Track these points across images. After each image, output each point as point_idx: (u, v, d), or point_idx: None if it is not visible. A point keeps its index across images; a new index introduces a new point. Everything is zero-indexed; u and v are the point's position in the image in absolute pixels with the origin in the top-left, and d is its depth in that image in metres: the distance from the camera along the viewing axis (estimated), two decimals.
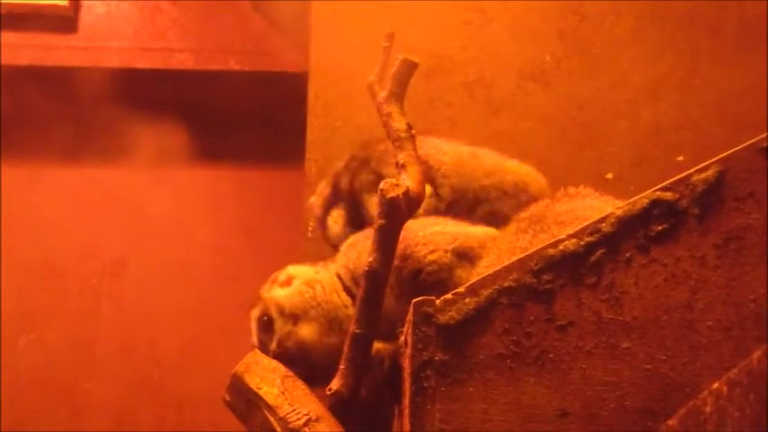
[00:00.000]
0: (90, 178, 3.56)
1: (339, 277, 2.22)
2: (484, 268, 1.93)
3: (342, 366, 1.94)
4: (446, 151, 2.42)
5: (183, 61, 3.44)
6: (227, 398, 2.04)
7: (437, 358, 1.64)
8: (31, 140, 3.55)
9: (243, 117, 3.56)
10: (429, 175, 2.23)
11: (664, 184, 1.66)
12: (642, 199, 1.66)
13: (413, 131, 2.09)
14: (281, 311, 2.18)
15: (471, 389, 1.63)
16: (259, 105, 3.53)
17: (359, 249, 2.17)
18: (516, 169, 2.44)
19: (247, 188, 3.56)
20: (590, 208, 2.01)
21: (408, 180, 1.99)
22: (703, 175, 1.64)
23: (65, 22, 3.47)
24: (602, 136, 2.84)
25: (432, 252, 2.09)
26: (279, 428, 1.91)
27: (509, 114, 2.88)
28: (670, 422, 1.44)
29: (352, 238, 2.27)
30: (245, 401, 1.99)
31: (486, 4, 2.97)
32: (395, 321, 1.90)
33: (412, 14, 2.96)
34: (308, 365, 2.11)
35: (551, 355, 1.63)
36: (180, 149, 3.42)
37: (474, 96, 2.90)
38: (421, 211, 2.14)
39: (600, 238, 1.65)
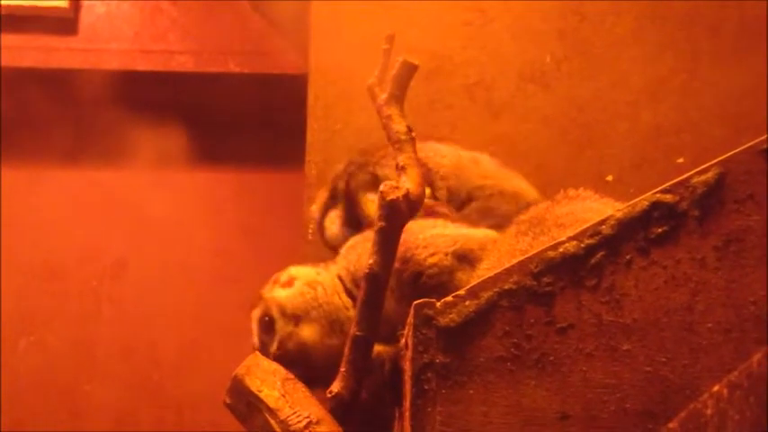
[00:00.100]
0: (90, 180, 3.56)
1: (340, 279, 2.21)
2: (484, 271, 1.93)
3: (342, 369, 1.94)
4: (445, 154, 2.42)
5: (182, 63, 3.44)
6: (228, 400, 2.04)
7: (438, 361, 1.64)
8: (31, 142, 3.55)
9: (243, 119, 3.56)
10: (427, 178, 2.23)
11: (664, 186, 1.66)
12: (642, 201, 1.66)
13: (413, 134, 2.09)
14: (283, 312, 2.18)
15: (472, 391, 1.63)
16: (259, 107, 3.53)
17: (359, 252, 2.17)
18: (514, 180, 2.44)
19: (247, 190, 3.56)
20: (590, 210, 2.00)
21: (408, 182, 1.99)
22: (703, 177, 1.64)
23: (65, 24, 3.47)
24: (602, 138, 2.84)
25: (432, 255, 2.09)
26: (279, 431, 1.91)
27: (509, 116, 2.88)
28: (670, 425, 1.44)
29: (352, 241, 2.27)
30: (245, 404, 1.99)
31: (485, 5, 2.96)
32: (395, 324, 1.90)
33: (412, 15, 2.96)
34: (308, 367, 2.11)
35: (551, 358, 1.63)
36: (180, 151, 3.42)
37: (474, 98, 2.90)
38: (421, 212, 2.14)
39: (600, 241, 1.65)
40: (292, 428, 1.89)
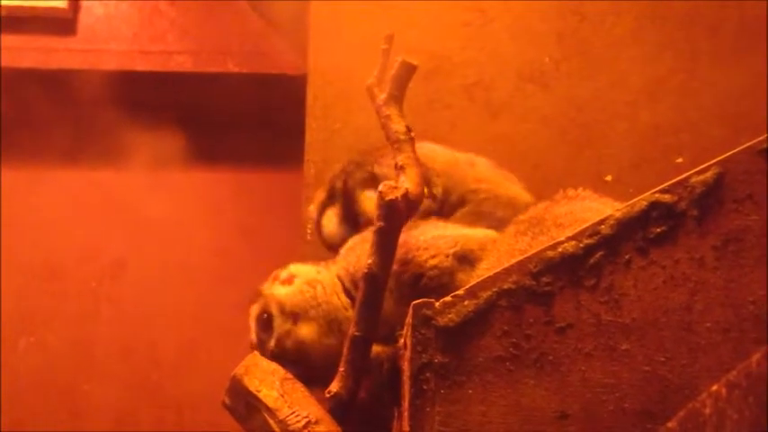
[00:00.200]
0: (89, 180, 3.56)
1: (339, 279, 2.21)
2: (483, 271, 1.93)
3: (341, 369, 1.94)
4: (440, 153, 2.42)
5: (181, 63, 3.44)
6: (227, 401, 2.04)
7: (436, 360, 1.64)
8: (30, 143, 3.55)
9: (242, 119, 3.55)
10: (425, 176, 2.23)
11: (663, 186, 1.66)
12: (641, 201, 1.66)
13: (412, 134, 2.09)
14: (282, 309, 2.17)
15: (470, 391, 1.63)
16: (258, 107, 3.53)
17: (358, 252, 2.17)
18: (510, 184, 2.43)
19: (246, 190, 3.56)
20: (589, 210, 2.00)
21: (407, 182, 1.99)
22: (702, 177, 1.64)
23: (63, 25, 3.46)
24: (601, 137, 2.84)
25: (433, 257, 2.09)
26: (278, 431, 1.91)
27: (508, 116, 2.88)
28: (669, 424, 1.44)
29: (352, 241, 2.27)
30: (244, 404, 1.99)
31: (485, 5, 2.96)
32: (394, 325, 1.90)
33: (411, 15, 2.96)
34: (305, 365, 2.10)
35: (550, 358, 1.63)
36: (179, 152, 3.42)
37: (473, 98, 2.89)
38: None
39: (599, 241, 1.65)
40: (291, 428, 1.89)
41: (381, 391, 1.95)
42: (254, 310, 2.21)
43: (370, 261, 1.93)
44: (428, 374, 1.64)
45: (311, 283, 2.20)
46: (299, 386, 1.98)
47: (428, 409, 1.63)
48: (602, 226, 1.66)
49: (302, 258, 2.37)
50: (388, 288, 1.97)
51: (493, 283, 1.66)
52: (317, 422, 1.88)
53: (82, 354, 3.42)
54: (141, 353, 3.42)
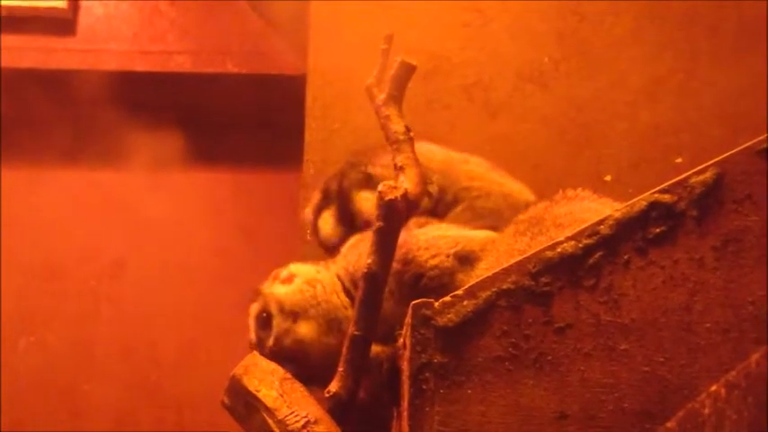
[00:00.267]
0: (89, 180, 3.56)
1: (339, 278, 2.21)
2: (482, 271, 1.93)
3: (340, 368, 1.94)
4: (437, 152, 2.41)
5: (181, 64, 3.44)
6: (226, 400, 2.04)
7: (436, 360, 1.64)
8: (30, 143, 3.56)
9: (241, 119, 3.56)
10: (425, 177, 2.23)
11: (662, 186, 1.66)
12: (640, 201, 1.66)
13: (411, 134, 2.09)
14: (281, 308, 2.18)
15: (470, 391, 1.63)
16: (257, 108, 3.53)
17: (359, 252, 2.17)
18: (505, 182, 2.43)
19: (245, 190, 3.56)
20: (588, 210, 2.00)
21: (407, 182, 1.99)
22: (701, 177, 1.64)
23: (63, 25, 3.47)
24: (601, 137, 2.84)
25: (434, 257, 2.09)
26: (277, 431, 1.91)
27: (507, 116, 2.88)
28: (668, 424, 1.44)
29: (353, 240, 2.27)
30: (243, 404, 1.99)
31: (484, 5, 2.96)
32: (394, 325, 1.90)
33: (410, 16, 2.96)
34: (304, 364, 2.10)
35: (549, 358, 1.63)
36: (178, 152, 3.42)
37: (472, 98, 2.89)
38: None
39: (598, 241, 1.65)
40: (290, 428, 1.89)
41: (381, 391, 1.95)
42: (254, 309, 2.22)
43: (369, 260, 1.93)
44: (427, 374, 1.64)
45: (311, 283, 2.20)
46: (299, 386, 1.98)
47: (427, 409, 1.63)
48: (602, 226, 1.66)
49: (302, 258, 2.37)
50: (389, 288, 1.97)
51: (492, 284, 1.66)
52: (316, 422, 1.88)
53: (82, 354, 3.42)
54: (141, 353, 3.42)
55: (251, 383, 1.98)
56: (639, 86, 2.88)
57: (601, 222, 1.66)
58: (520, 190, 2.43)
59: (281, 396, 1.94)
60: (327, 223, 2.44)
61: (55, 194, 3.55)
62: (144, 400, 3.38)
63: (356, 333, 1.93)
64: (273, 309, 2.18)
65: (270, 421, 1.92)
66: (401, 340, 1.79)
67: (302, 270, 2.24)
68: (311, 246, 2.60)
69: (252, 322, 2.22)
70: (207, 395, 3.04)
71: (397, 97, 2.12)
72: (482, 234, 2.17)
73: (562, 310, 1.64)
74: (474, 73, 2.92)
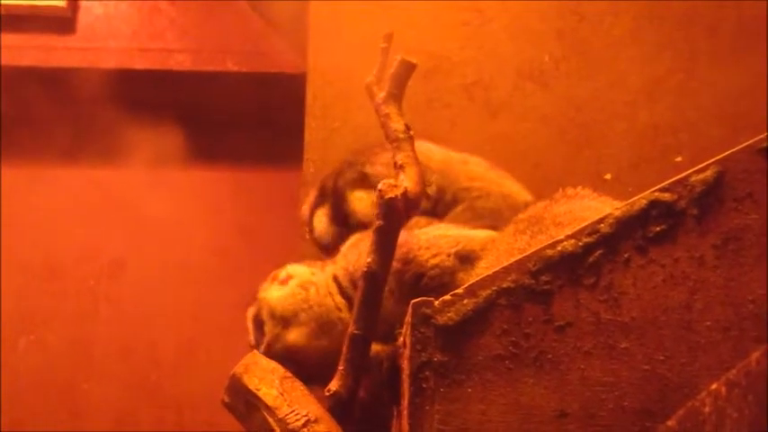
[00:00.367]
0: (89, 179, 3.56)
1: (336, 279, 2.21)
2: (482, 269, 1.93)
3: (340, 367, 1.93)
4: (436, 152, 2.41)
5: (180, 62, 3.44)
6: (226, 399, 2.04)
7: (436, 359, 1.64)
8: (29, 141, 3.55)
9: (241, 118, 3.56)
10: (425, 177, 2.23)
11: (662, 184, 1.66)
12: (640, 200, 1.66)
13: (411, 132, 2.09)
14: (272, 314, 2.18)
15: (470, 390, 1.63)
16: (257, 106, 3.53)
17: (359, 251, 2.17)
18: (505, 182, 2.43)
19: (245, 189, 3.56)
20: (588, 209, 2.00)
21: (407, 181, 1.99)
22: (702, 176, 1.64)
23: (63, 23, 3.47)
24: (601, 137, 2.84)
25: (434, 256, 2.09)
26: (278, 429, 1.91)
27: (507, 115, 2.88)
28: (668, 423, 1.44)
29: (354, 238, 2.26)
30: (243, 402, 1.99)
31: (483, 5, 2.96)
32: (394, 324, 1.90)
33: (410, 15, 2.96)
34: (299, 367, 2.10)
35: (550, 356, 1.63)
36: (178, 150, 3.42)
37: (472, 97, 2.90)
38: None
39: (598, 239, 1.65)
40: (290, 427, 1.89)
41: (381, 390, 1.95)
42: (251, 312, 2.23)
43: (369, 259, 1.93)
44: (427, 373, 1.64)
45: (304, 285, 2.20)
46: (299, 385, 1.98)
47: (427, 408, 1.63)
48: (602, 224, 1.66)
49: (301, 257, 2.37)
50: (389, 287, 1.97)
51: (492, 282, 1.66)
52: (316, 421, 1.88)
53: (81, 353, 3.42)
54: (140, 352, 3.42)
55: (251, 382, 1.98)
56: (639, 86, 2.88)
57: (601, 221, 1.66)
58: (518, 191, 2.43)
59: (282, 395, 1.94)
60: (321, 222, 2.44)
61: (55, 193, 3.54)
62: (144, 399, 3.38)
63: (356, 332, 1.93)
64: (265, 315, 2.19)
65: (270, 420, 1.92)
66: (401, 339, 1.79)
67: (298, 271, 2.23)
68: (310, 244, 2.60)
69: (249, 325, 2.23)
70: (207, 395, 3.04)
71: (396, 95, 2.12)
72: (482, 233, 2.17)
73: (562, 309, 1.64)
74: (474, 72, 2.92)
